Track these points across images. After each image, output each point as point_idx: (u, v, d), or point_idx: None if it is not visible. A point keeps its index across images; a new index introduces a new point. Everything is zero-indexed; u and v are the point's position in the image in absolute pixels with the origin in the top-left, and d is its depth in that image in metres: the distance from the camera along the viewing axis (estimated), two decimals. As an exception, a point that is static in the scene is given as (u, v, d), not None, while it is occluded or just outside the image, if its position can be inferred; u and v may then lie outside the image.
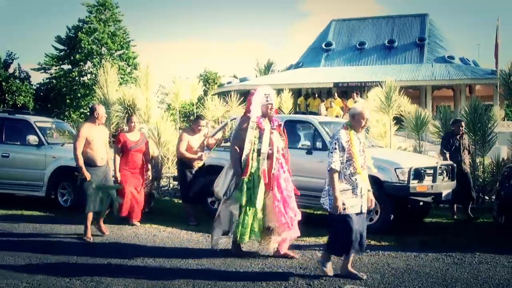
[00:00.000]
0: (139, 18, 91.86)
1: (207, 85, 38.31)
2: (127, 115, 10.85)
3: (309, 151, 8.81)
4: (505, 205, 8.13)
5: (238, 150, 6.42)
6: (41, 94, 39.57)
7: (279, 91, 17.94)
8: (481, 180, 11.51)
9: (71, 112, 38.20)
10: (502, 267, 6.22)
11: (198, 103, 19.96)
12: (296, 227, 6.50)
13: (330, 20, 36.48)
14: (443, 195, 8.47)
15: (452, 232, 8.37)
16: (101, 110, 7.83)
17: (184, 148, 8.96)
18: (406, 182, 7.98)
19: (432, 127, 12.54)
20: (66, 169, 9.95)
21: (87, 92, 36.99)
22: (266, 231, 6.52)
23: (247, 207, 6.33)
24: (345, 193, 5.49)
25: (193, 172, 9.08)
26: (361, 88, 25.63)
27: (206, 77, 40.83)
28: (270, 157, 6.43)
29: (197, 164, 9.14)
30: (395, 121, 12.81)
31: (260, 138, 6.43)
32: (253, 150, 6.39)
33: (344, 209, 5.46)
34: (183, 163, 9.10)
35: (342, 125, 5.74)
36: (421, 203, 8.46)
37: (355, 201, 5.55)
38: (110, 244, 7.53)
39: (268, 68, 38.19)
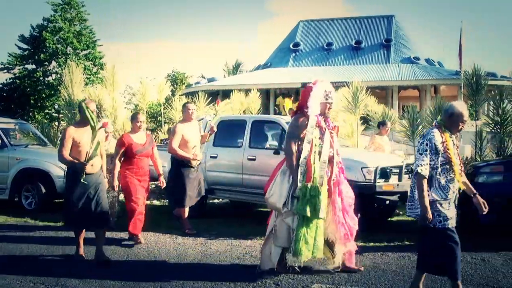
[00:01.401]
0: (106, 18, 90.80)
1: (175, 86, 38.02)
2: (132, 113, 9.50)
3: (276, 151, 8.81)
4: (460, 203, 8.27)
5: (295, 152, 5.62)
6: (4, 94, 38.67)
7: (247, 91, 17.95)
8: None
9: (36, 113, 37.45)
10: (466, 263, 6.33)
11: (166, 104, 19.81)
12: (353, 239, 5.87)
13: (298, 20, 36.76)
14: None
15: (418, 231, 8.46)
16: (92, 107, 6.52)
17: (177, 143, 7.96)
18: (372, 181, 8.06)
19: (398, 126, 12.70)
20: (30, 171, 9.75)
21: (52, 92, 36.28)
22: (325, 244, 5.79)
23: (310, 219, 5.46)
24: (442, 203, 4.73)
25: (190, 172, 8.12)
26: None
27: (174, 77, 40.50)
28: (330, 160, 5.73)
29: (195, 163, 8.18)
30: (362, 121, 12.94)
31: (321, 139, 5.67)
32: (314, 152, 5.60)
33: (446, 220, 4.73)
34: (178, 161, 8.11)
35: (434, 124, 5.02)
36: (387, 202, 8.55)
37: (453, 213, 4.81)
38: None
39: (236, 68, 38.15)
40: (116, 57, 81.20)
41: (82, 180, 6.11)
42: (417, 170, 4.65)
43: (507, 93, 12.36)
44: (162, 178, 7.86)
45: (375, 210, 8.96)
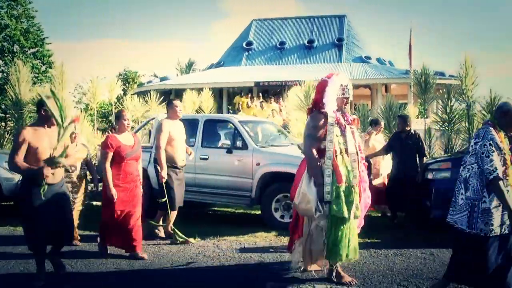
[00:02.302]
0: (54, 17, 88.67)
1: (127, 85, 37.51)
2: (117, 110, 8.35)
3: (229, 150, 8.76)
4: (414, 201, 8.49)
5: (315, 155, 5.18)
6: None
7: (199, 90, 17.87)
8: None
9: (-20, 114, 36.24)
10: (416, 258, 6.46)
11: (117, 103, 19.51)
12: None
13: (251, 19, 36.77)
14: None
15: (368, 226, 8.56)
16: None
17: (165, 142, 7.36)
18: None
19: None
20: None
21: (-2, 92, 35.21)
22: None
23: (344, 220, 5.13)
24: (498, 209, 4.38)
25: (177, 174, 7.57)
26: (281, 87, 25.96)
27: (125, 76, 39.95)
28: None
29: (182, 163, 7.64)
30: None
31: (343, 136, 5.27)
32: (341, 152, 5.21)
33: (491, 230, 4.40)
34: (155, 161, 7.53)
35: (486, 121, 4.72)
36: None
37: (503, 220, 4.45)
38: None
39: (189, 67, 37.93)
40: (66, 55, 79.35)
41: (42, 192, 5.07)
42: (493, 174, 4.23)
43: (454, 91, 12.71)
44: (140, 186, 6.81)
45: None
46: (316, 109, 5.38)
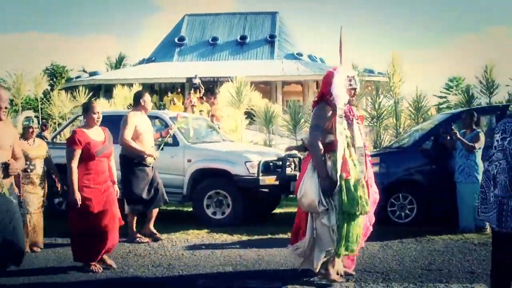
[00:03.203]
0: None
1: (54, 80, 36.26)
2: (85, 102, 7.14)
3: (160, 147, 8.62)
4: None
5: (321, 146, 4.99)
6: None
7: (130, 86, 17.52)
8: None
9: None
10: (371, 254, 6.50)
11: (44, 99, 18.85)
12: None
13: (183, 14, 36.43)
14: (292, 186, 8.79)
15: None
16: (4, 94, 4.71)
17: (130, 135, 6.89)
18: (256, 175, 8.13)
19: (282, 121, 12.98)
20: None
21: None
22: None
23: (353, 215, 4.96)
24: None
25: (145, 172, 7.11)
26: (214, 83, 25.87)
27: (52, 71, 38.61)
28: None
29: (150, 160, 7.17)
30: (246, 116, 13.08)
31: (350, 130, 5.10)
32: (348, 146, 5.05)
33: None
34: (129, 159, 7.04)
35: (508, 115, 4.51)
36: (271, 195, 8.69)
37: None
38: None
39: (119, 62, 37.10)
40: (-11, 49, 75.92)
41: None
42: None
43: (382, 88, 13.05)
44: (117, 187, 6.10)
45: (259, 203, 9.07)
46: (322, 101, 5.17)
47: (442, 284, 5.19)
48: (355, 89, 5.23)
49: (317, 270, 5.14)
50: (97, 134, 5.71)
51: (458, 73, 41.08)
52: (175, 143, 8.58)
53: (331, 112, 5.02)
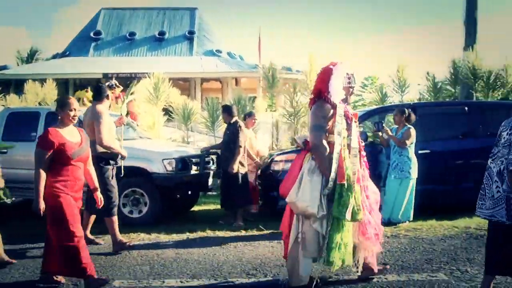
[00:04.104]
0: None
1: (-41, 74, 34.23)
2: (60, 97, 5.96)
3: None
4: (264, 190, 8.76)
5: (327, 147, 4.69)
6: None
7: (42, 81, 16.86)
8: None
9: None
10: (265, 247, 6.66)
11: None
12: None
13: (99, 7, 35.45)
14: (210, 183, 8.79)
15: (218, 218, 8.67)
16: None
17: (107, 134, 6.44)
18: (173, 172, 8.05)
19: (200, 118, 12.93)
20: None
21: None
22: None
23: (344, 222, 4.65)
24: None
25: (114, 172, 6.74)
26: (132, 79, 25.34)
27: (-43, 64, 36.46)
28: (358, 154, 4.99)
29: (121, 162, 6.83)
30: (164, 113, 12.92)
31: (348, 130, 4.83)
32: (344, 146, 4.74)
33: None
34: (104, 159, 6.52)
35: None
36: (189, 192, 8.64)
37: None
38: None
39: (31, 56, 35.50)
40: None
41: None
42: None
43: (300, 86, 13.29)
44: (99, 194, 5.46)
45: (177, 201, 9.00)
46: (320, 98, 4.85)
47: (358, 274, 5.33)
48: (353, 87, 5.02)
49: (305, 282, 4.77)
50: (72, 135, 4.92)
51: (373, 72, 42.48)
52: (90, 140, 8.33)
53: (331, 110, 4.78)
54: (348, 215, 4.58)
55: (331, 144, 4.71)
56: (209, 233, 7.56)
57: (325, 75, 4.87)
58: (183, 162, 8.25)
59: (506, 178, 4.18)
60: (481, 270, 5.34)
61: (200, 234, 7.51)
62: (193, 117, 12.74)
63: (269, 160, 9.03)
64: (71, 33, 60.78)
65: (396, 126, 8.26)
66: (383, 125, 8.18)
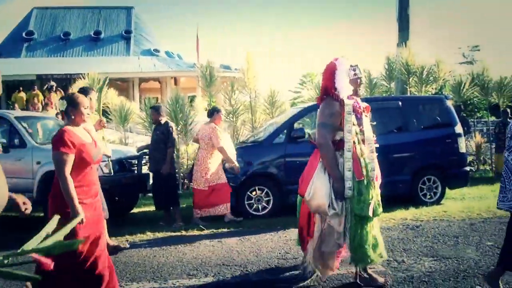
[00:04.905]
0: None
1: None
2: (70, 95, 4.57)
3: (5, 149, 8.05)
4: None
5: (331, 145, 4.62)
6: None
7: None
8: (185, 167, 12.12)
9: None
10: (205, 246, 6.66)
11: None
12: None
13: (31, 7, 34.31)
14: (148, 185, 8.69)
15: (158, 220, 8.57)
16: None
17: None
18: (110, 174, 7.90)
19: (138, 118, 12.74)
20: None
21: None
22: None
23: (368, 218, 4.62)
24: None
25: None
26: (67, 81, 24.71)
27: None
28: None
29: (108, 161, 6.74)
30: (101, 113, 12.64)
31: (359, 125, 4.73)
32: (358, 143, 4.69)
33: None
34: None
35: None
36: (128, 194, 8.50)
37: None
38: None
39: (-42, 58, 34.03)
40: None
41: None
42: None
43: (238, 84, 13.30)
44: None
45: (115, 203, 8.82)
46: (327, 96, 4.78)
47: (298, 271, 5.39)
48: (360, 78, 4.90)
49: (308, 270, 4.88)
50: (85, 135, 4.28)
51: (311, 69, 43.02)
52: (22, 144, 8.07)
53: (339, 107, 4.67)
54: (370, 211, 4.56)
55: (340, 142, 4.65)
56: (149, 235, 7.47)
57: (329, 71, 4.82)
58: (121, 164, 8.12)
59: None
60: (417, 260, 5.54)
61: (140, 236, 7.41)
62: (131, 118, 12.55)
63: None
64: (2, 33, 58.57)
65: None
66: None
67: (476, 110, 26.14)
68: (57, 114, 13.83)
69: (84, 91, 6.44)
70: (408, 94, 14.31)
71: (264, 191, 8.59)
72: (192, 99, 19.60)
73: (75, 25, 33.37)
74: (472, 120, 18.49)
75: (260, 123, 12.82)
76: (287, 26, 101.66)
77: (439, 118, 9.66)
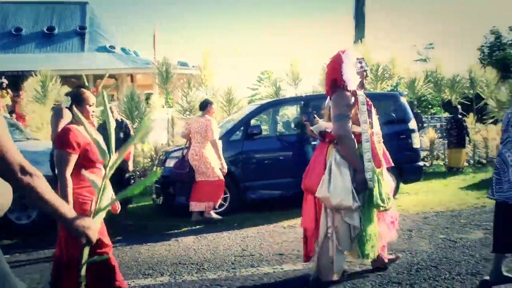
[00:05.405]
0: None
1: None
2: (74, 91, 4.39)
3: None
4: (162, 187, 8.62)
5: (353, 136, 4.55)
6: None
7: None
8: (141, 165, 11.97)
9: None
10: (162, 245, 6.58)
11: None
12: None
13: (-20, 2, 33.32)
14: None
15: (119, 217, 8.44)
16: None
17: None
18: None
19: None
20: None
21: None
22: None
23: (373, 212, 4.61)
24: None
25: None
26: (18, 78, 24.05)
27: None
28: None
29: None
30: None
31: (370, 116, 4.70)
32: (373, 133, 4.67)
33: None
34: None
35: None
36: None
37: None
38: None
39: None
40: None
41: None
42: None
43: (195, 81, 13.23)
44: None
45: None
46: (337, 87, 4.71)
47: (254, 268, 5.40)
48: (366, 70, 4.91)
49: (336, 278, 4.69)
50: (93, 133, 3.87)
51: (268, 66, 43.23)
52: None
53: (352, 99, 4.65)
54: (389, 204, 4.60)
55: (355, 134, 4.60)
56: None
57: (336, 63, 4.77)
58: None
59: None
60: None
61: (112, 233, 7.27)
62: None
63: (164, 157, 8.92)
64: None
65: (324, 119, 8.52)
66: (315, 116, 8.41)
67: (430, 106, 26.74)
68: (10, 112, 13.45)
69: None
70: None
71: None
72: (148, 96, 19.39)
73: (27, 20, 32.49)
74: (426, 116, 18.91)
75: (217, 120, 12.77)
76: (245, 23, 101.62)
77: (394, 114, 9.80)
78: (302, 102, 9.82)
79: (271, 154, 9.01)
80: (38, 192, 2.18)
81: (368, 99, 4.74)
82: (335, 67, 4.76)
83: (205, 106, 8.42)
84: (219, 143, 8.19)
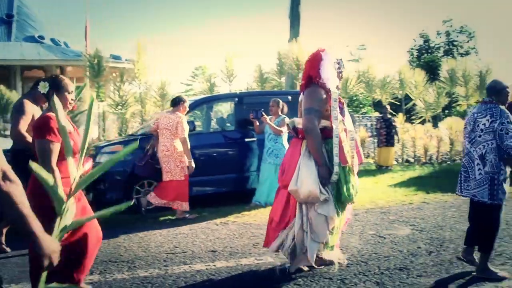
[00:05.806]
0: None
1: None
2: (53, 77, 4.11)
3: None
4: (92, 182, 8.37)
5: (319, 131, 4.63)
6: None
7: None
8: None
9: None
10: (116, 243, 6.35)
11: None
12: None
13: None
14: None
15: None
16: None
17: (25, 127, 5.65)
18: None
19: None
20: None
21: None
22: None
23: (343, 206, 4.81)
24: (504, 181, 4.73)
25: None
26: None
27: None
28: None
29: None
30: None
31: (342, 114, 4.78)
32: (341, 130, 4.70)
33: (505, 198, 4.76)
34: (27, 155, 5.11)
35: (488, 100, 4.78)
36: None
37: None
38: None
39: None
40: None
41: None
42: None
43: (128, 75, 12.98)
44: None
45: None
46: (312, 83, 4.79)
47: (186, 265, 5.35)
48: (341, 72, 5.05)
49: (313, 263, 4.80)
50: (67, 123, 3.74)
51: (203, 62, 43.07)
52: None
53: (325, 95, 4.72)
54: (354, 198, 4.80)
55: (324, 130, 4.69)
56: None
57: (315, 61, 4.84)
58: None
59: (488, 161, 4.64)
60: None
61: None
62: (11, 108, 11.83)
63: (95, 152, 8.68)
64: None
65: (271, 116, 8.56)
66: (262, 113, 8.45)
67: (361, 106, 27.40)
68: None
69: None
70: (298, 89, 14.67)
71: (154, 185, 8.39)
72: (80, 89, 18.86)
73: None
74: (357, 115, 19.34)
75: (150, 115, 12.58)
76: (182, 18, 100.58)
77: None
78: (237, 99, 9.83)
79: (204, 151, 8.95)
80: (14, 202, 2.03)
81: (340, 97, 4.84)
82: (313, 64, 4.85)
83: (177, 102, 8.15)
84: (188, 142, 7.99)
